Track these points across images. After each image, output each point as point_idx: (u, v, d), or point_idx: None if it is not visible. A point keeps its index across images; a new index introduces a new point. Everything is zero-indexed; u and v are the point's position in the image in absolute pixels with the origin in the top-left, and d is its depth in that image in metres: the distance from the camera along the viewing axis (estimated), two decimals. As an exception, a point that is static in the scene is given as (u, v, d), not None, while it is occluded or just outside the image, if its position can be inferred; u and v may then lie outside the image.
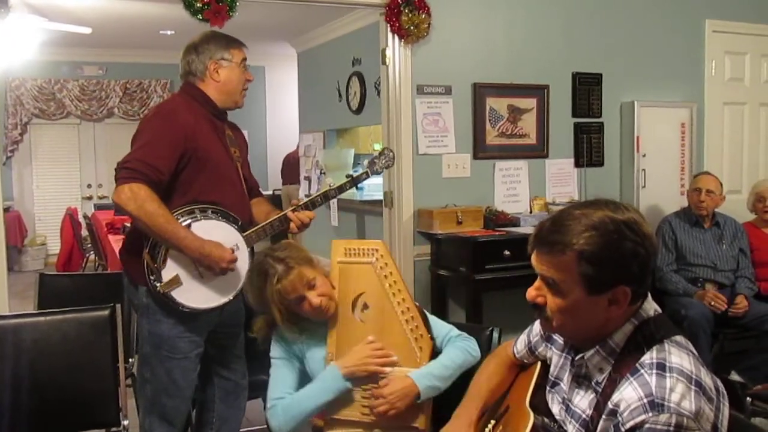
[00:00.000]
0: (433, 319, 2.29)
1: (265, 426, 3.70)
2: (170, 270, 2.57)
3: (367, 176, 2.91)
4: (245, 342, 2.94)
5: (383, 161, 2.93)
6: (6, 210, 7.13)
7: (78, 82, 9.53)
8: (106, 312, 2.74)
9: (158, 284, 2.55)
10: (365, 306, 2.27)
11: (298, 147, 9.30)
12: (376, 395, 2.15)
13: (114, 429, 2.73)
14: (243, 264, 2.63)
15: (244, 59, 2.78)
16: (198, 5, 3.59)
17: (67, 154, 9.58)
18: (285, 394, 2.22)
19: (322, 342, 2.26)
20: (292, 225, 2.73)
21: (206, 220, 2.59)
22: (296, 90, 9.26)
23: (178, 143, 2.56)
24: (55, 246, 8.94)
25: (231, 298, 2.66)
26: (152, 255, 2.57)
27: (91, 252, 7.68)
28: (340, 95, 7.79)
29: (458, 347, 2.20)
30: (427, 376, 2.14)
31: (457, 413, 1.95)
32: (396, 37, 4.09)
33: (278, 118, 10.57)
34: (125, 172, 2.49)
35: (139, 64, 9.52)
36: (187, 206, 2.58)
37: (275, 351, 2.31)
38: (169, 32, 7.77)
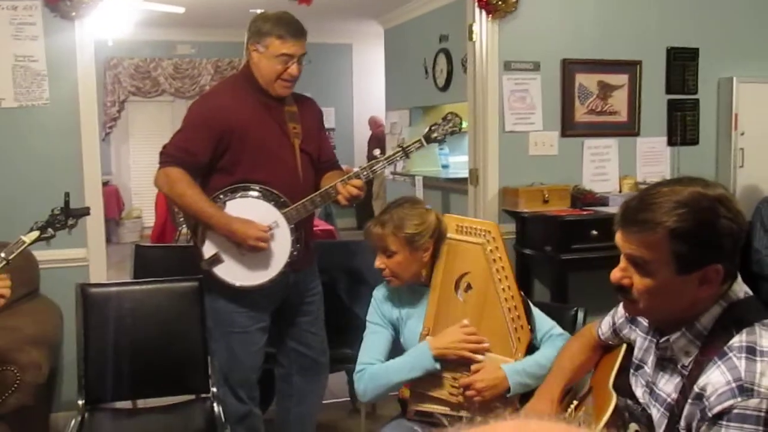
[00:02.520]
0: (537, 313, 2.25)
1: (349, 398, 3.80)
2: (210, 248, 2.65)
3: (421, 145, 2.70)
4: (328, 316, 3.00)
5: (444, 127, 2.70)
6: (104, 184, 7.44)
7: (172, 61, 9.80)
8: (196, 283, 2.83)
9: (201, 261, 2.64)
10: (468, 286, 2.24)
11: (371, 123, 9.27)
12: (466, 383, 2.15)
13: (203, 394, 2.83)
14: (284, 241, 2.65)
15: (286, 54, 2.64)
16: (287, -17, 3.63)
17: (162, 130, 9.87)
18: (375, 360, 2.24)
19: (420, 315, 2.26)
20: (339, 197, 2.65)
21: (243, 198, 2.63)
22: (382, 67, 9.27)
23: (212, 127, 2.63)
24: (149, 219, 9.26)
25: (274, 275, 2.66)
26: (194, 233, 2.66)
27: (183, 225, 7.92)
28: (426, 72, 7.75)
29: (557, 347, 2.11)
30: (520, 373, 2.11)
31: (539, 391, 1.94)
32: (483, 13, 4.03)
33: (365, 95, 10.60)
34: (162, 157, 2.65)
35: (229, 43, 9.69)
36: (232, 186, 2.64)
37: (373, 316, 2.34)
38: (258, 11, 7.88)
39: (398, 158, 2.75)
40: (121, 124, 9.77)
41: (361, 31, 9.65)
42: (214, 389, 2.80)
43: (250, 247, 2.59)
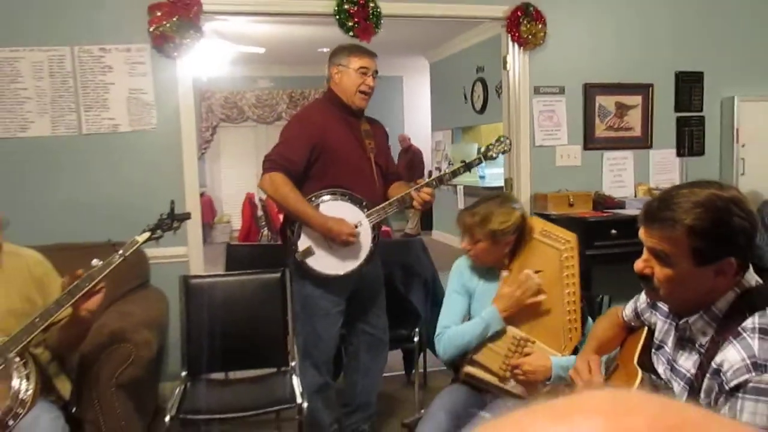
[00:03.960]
0: (590, 323, 2.18)
1: (404, 371, 3.76)
2: (304, 242, 2.64)
3: (480, 161, 2.77)
4: (387, 302, 2.97)
5: (498, 148, 2.78)
6: (201, 195, 7.55)
7: (254, 93, 9.92)
8: (278, 275, 2.83)
9: (296, 254, 2.63)
10: None
11: (400, 139, 9.20)
12: (516, 363, 2.09)
13: (283, 368, 2.83)
14: (366, 238, 2.66)
15: (363, 67, 2.71)
16: (349, 24, 3.62)
17: (246, 150, 10.02)
18: (452, 324, 2.19)
19: (492, 292, 2.19)
20: (414, 202, 2.69)
21: (334, 201, 2.63)
22: (428, 95, 9.23)
23: (308, 140, 2.64)
24: (236, 223, 9.38)
25: (356, 267, 2.67)
26: (291, 230, 2.66)
27: (264, 228, 8.01)
28: (465, 98, 7.70)
29: None
30: (563, 368, 2.04)
31: (578, 357, 1.88)
32: (516, 45, 3.96)
33: (413, 118, 10.58)
34: (268, 164, 2.64)
35: (301, 77, 9.79)
36: (322, 190, 2.64)
37: (453, 284, 2.28)
38: (325, 49, 7.95)
39: (461, 172, 2.75)
40: (214, 145, 9.93)
41: (409, 65, 9.64)
42: (293, 364, 2.79)
43: (342, 242, 2.60)
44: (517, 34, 3.91)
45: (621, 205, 4.04)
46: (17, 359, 2.02)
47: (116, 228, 2.95)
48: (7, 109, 3.31)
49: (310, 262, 2.66)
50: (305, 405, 2.54)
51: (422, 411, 2.19)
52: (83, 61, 3.37)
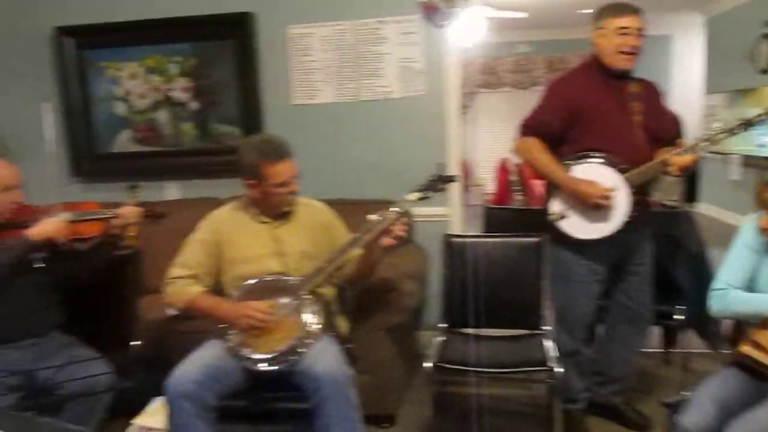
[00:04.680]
0: None
1: (662, 349, 3.52)
2: (557, 205, 2.61)
3: (763, 119, 2.42)
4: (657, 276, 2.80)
5: None
6: (457, 158, 7.72)
7: (511, 59, 9.83)
8: (538, 239, 2.80)
9: (549, 216, 2.60)
10: None
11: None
12: None
13: (536, 331, 2.81)
14: (622, 203, 2.53)
15: (623, 27, 2.54)
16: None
17: (502, 116, 10.01)
18: (735, 282, 2.02)
19: None
20: (671, 168, 2.49)
21: (587, 164, 2.55)
22: (699, 55, 8.31)
23: (564, 105, 2.59)
24: (490, 187, 9.48)
25: (611, 232, 2.55)
26: (547, 192, 2.65)
27: (517, 193, 7.97)
28: (747, 57, 6.78)
29: None
30: None
31: None
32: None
33: (682, 81, 9.62)
34: (522, 129, 2.66)
35: (560, 41, 9.44)
36: (578, 153, 2.58)
37: (747, 237, 2.07)
38: (585, 11, 7.54)
39: (738, 131, 2.47)
40: (471, 111, 10.07)
41: (680, 22, 8.76)
42: (548, 327, 2.77)
43: (592, 204, 2.53)
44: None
45: None
46: (308, 297, 2.29)
47: (387, 187, 3.16)
48: (301, 79, 3.71)
49: (563, 225, 2.62)
50: (557, 369, 2.51)
51: (684, 393, 2.02)
52: (362, 34, 3.63)
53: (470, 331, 2.99)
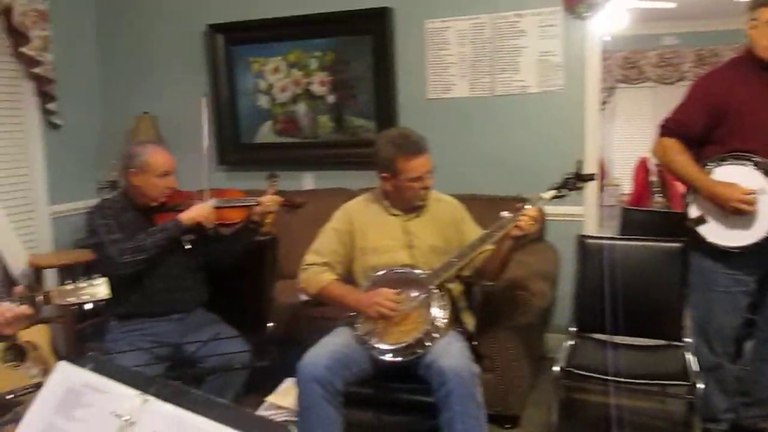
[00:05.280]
0: None
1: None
2: (696, 209, 2.44)
3: None
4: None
5: None
6: (592, 156, 7.42)
7: (656, 51, 9.27)
8: (679, 245, 2.63)
9: (687, 221, 2.44)
10: None
11: None
12: None
13: (675, 342, 2.65)
14: (765, 208, 2.32)
15: None
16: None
17: (643, 112, 9.49)
18: None
19: None
20: None
21: (731, 166, 2.36)
22: None
23: (708, 104, 2.42)
24: (626, 187, 9.03)
25: (757, 240, 2.35)
26: (687, 195, 2.49)
27: (657, 194, 7.53)
28: None
29: None
30: None
31: None
32: None
33: None
34: (661, 130, 2.51)
35: (712, 32, 8.78)
36: (723, 155, 2.39)
37: None
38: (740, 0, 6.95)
39: None
40: (609, 107, 9.63)
41: None
42: (688, 339, 2.59)
43: (731, 209, 2.34)
44: None
45: None
46: (436, 291, 2.29)
47: (520, 183, 3.09)
48: (436, 73, 3.71)
49: (703, 231, 2.44)
50: (699, 385, 2.34)
51: None
52: (500, 27, 3.57)
53: (603, 337, 2.86)
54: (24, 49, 3.80)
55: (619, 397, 2.64)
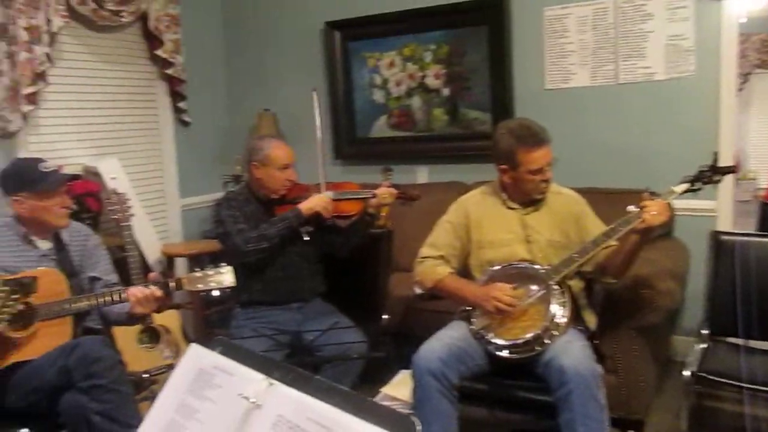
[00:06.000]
0: None
1: None
2: None
3: None
4: None
5: None
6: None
7: (800, 33, 8.47)
8: (832, 243, 2.39)
9: None
10: None
11: None
12: None
13: None
14: None
15: None
16: None
17: (784, 100, 8.73)
18: None
19: None
20: None
21: None
22: None
23: None
24: (763, 181, 8.34)
25: None
26: None
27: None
28: None
29: None
30: None
31: None
32: None
33: None
34: None
35: None
36: None
37: None
38: None
39: None
40: (744, 94, 8.91)
41: None
42: None
43: None
44: None
45: None
46: (556, 287, 2.21)
47: (645, 176, 2.92)
48: (553, 62, 3.59)
49: None
50: None
51: None
52: (624, 12, 3.39)
53: (738, 341, 2.65)
54: (158, 52, 4.06)
55: (755, 406, 2.44)
